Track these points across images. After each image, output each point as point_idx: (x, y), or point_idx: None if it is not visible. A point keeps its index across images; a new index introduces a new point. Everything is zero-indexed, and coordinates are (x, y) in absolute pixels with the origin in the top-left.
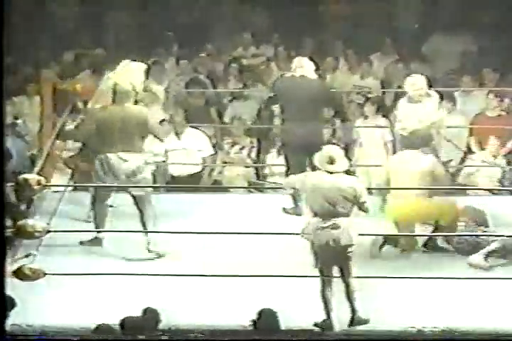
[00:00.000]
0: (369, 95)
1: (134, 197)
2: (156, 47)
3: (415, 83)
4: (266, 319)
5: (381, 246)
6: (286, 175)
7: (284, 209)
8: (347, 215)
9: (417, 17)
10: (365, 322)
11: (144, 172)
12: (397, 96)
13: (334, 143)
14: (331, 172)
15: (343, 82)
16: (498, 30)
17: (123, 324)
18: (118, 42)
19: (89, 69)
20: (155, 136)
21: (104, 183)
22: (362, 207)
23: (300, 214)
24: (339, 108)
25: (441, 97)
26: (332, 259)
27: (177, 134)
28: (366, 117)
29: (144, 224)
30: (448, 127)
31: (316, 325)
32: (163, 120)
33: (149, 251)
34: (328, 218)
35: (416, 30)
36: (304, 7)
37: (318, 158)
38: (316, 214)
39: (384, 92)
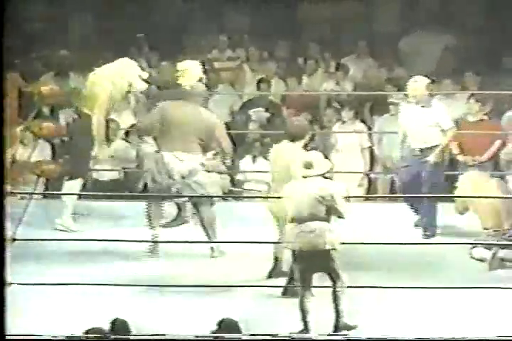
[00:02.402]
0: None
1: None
2: (127, 49)
3: (416, 85)
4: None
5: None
6: None
7: None
8: (325, 219)
9: (394, 19)
10: (351, 328)
11: (198, 175)
12: (376, 101)
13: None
14: (307, 177)
15: (320, 85)
16: (477, 31)
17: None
18: (84, 44)
19: (52, 71)
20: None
21: (158, 182)
22: (336, 212)
23: None
24: None
25: None
26: (313, 265)
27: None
28: (344, 122)
29: (204, 228)
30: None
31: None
32: (134, 125)
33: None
34: (305, 222)
35: (393, 32)
36: (281, 9)
37: (296, 165)
38: (293, 220)
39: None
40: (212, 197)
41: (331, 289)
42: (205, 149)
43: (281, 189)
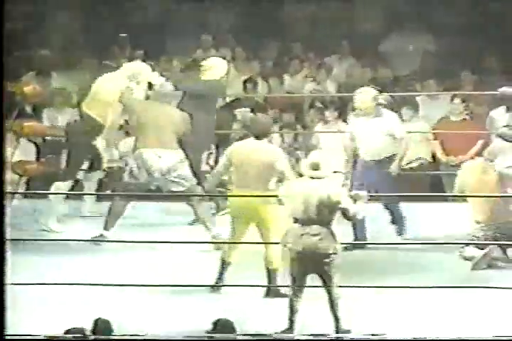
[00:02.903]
0: (330, 99)
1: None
2: (109, 48)
3: (362, 97)
4: (222, 329)
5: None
6: None
7: None
8: (329, 222)
9: (377, 19)
10: (347, 332)
11: (178, 170)
12: None
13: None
14: (314, 178)
15: (303, 86)
16: (458, 32)
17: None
18: (66, 43)
19: (34, 71)
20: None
21: (138, 180)
22: (346, 214)
23: None
24: None
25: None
26: (310, 267)
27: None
28: (327, 122)
29: (199, 219)
30: (410, 132)
31: (276, 333)
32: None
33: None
34: (309, 224)
35: (377, 33)
36: (265, 9)
37: (303, 164)
38: (296, 221)
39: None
40: (204, 195)
41: (327, 296)
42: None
43: (246, 184)
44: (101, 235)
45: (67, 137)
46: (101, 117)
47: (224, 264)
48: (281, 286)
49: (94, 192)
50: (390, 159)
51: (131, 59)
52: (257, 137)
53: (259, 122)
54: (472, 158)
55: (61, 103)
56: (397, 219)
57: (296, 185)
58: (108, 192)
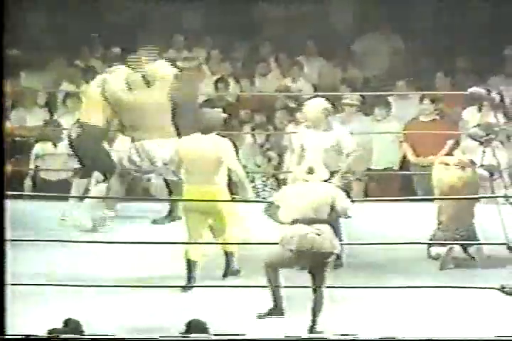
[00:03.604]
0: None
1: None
2: (79, 48)
3: (310, 109)
4: (195, 329)
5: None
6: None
7: None
8: (328, 222)
9: (348, 19)
10: (319, 333)
11: None
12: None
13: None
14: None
15: (275, 85)
16: (429, 33)
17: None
18: (36, 43)
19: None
20: None
21: (140, 169)
22: (340, 213)
23: None
24: None
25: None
26: (306, 266)
27: (108, 142)
28: (298, 123)
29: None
30: (381, 133)
31: (260, 316)
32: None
33: None
34: (309, 224)
35: (348, 33)
36: (238, 8)
37: (298, 169)
38: (296, 222)
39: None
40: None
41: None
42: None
43: (195, 180)
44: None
45: (74, 152)
46: (100, 121)
47: (190, 263)
48: (280, 286)
49: (94, 196)
50: (334, 174)
51: (102, 59)
52: (203, 132)
53: (205, 117)
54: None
55: (30, 103)
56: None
57: (292, 189)
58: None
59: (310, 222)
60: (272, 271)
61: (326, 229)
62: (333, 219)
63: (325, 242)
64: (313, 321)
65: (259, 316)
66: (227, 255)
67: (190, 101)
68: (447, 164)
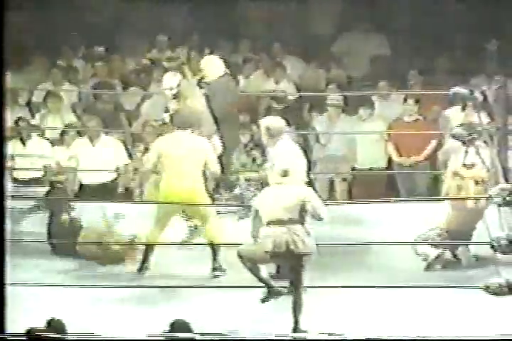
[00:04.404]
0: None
1: None
2: (60, 49)
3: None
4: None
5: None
6: None
7: None
8: (302, 223)
9: (330, 19)
10: (305, 332)
11: None
12: (315, 102)
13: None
14: (283, 184)
15: (259, 86)
16: (411, 33)
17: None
18: (17, 43)
19: None
20: None
21: None
22: (314, 215)
23: None
24: None
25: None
26: (283, 267)
27: (91, 141)
28: None
29: None
30: (365, 133)
31: (263, 300)
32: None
33: None
34: (282, 226)
35: (328, 33)
36: (221, 9)
37: (272, 172)
38: (270, 223)
39: (300, 97)
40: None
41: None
42: None
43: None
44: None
45: None
46: None
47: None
48: (281, 287)
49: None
50: None
51: (84, 58)
52: (180, 128)
53: (180, 115)
54: (427, 158)
55: (11, 102)
56: None
57: (268, 193)
58: None
59: (283, 223)
60: (247, 262)
61: (299, 230)
62: (306, 220)
63: (299, 243)
64: (296, 321)
65: (262, 301)
66: (214, 247)
67: None
68: (462, 177)
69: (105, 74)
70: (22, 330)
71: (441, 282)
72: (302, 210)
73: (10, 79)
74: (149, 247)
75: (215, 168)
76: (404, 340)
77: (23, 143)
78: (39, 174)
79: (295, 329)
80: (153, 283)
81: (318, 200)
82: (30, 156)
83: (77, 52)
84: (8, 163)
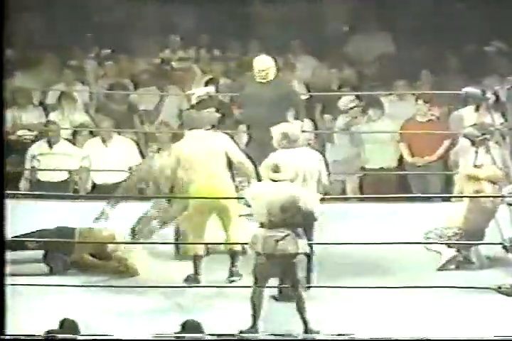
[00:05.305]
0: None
1: None
2: (72, 49)
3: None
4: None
5: None
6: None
7: None
8: (293, 224)
9: (342, 19)
10: (317, 332)
11: None
12: (328, 101)
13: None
14: (276, 181)
15: None
16: (422, 33)
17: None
18: (29, 43)
19: None
20: None
21: None
22: (306, 215)
23: None
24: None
25: None
26: (276, 270)
27: (104, 141)
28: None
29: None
30: (376, 132)
31: (241, 332)
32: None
33: None
34: (274, 228)
35: (340, 33)
36: (231, 9)
37: (263, 167)
38: (262, 225)
39: (311, 96)
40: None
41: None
42: None
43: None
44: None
45: None
46: None
47: (196, 259)
48: (278, 287)
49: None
50: None
51: (96, 59)
52: (191, 129)
53: (192, 117)
54: (439, 158)
55: (24, 102)
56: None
57: (260, 188)
58: None
59: (273, 225)
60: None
61: (289, 232)
62: (299, 220)
63: (289, 244)
64: (304, 321)
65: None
66: (233, 254)
67: None
68: (478, 178)
69: (116, 74)
70: (22, 331)
71: (452, 282)
72: (294, 209)
73: (21, 79)
74: (197, 257)
75: (240, 157)
76: (406, 340)
77: (50, 146)
78: (65, 176)
79: (306, 330)
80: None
81: (313, 201)
82: (56, 158)
83: (89, 52)
84: (33, 164)
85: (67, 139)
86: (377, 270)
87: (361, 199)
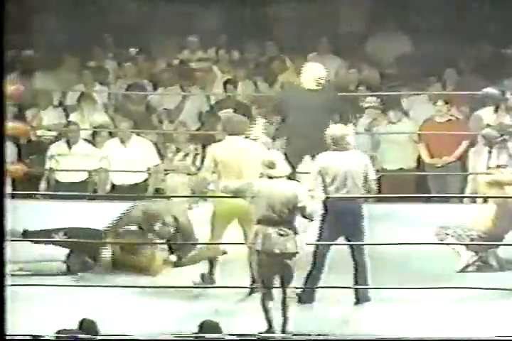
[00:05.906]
0: None
1: None
2: (91, 49)
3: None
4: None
5: None
6: None
7: None
8: (292, 222)
9: (362, 19)
10: (290, 333)
11: None
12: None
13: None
14: (273, 178)
15: None
16: (443, 33)
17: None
18: (49, 43)
19: (17, 71)
20: None
21: None
22: (303, 213)
23: None
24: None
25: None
26: (275, 268)
27: (122, 142)
28: None
29: None
30: (395, 133)
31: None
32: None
33: None
34: (272, 225)
35: (360, 33)
36: (251, 9)
37: (260, 164)
38: (259, 222)
39: None
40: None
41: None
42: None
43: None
44: None
45: None
46: None
47: (211, 261)
48: (250, 288)
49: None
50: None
51: (115, 60)
52: (232, 135)
53: (233, 121)
54: (458, 158)
55: (45, 103)
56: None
57: (260, 185)
58: None
59: (273, 221)
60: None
61: (287, 229)
62: (295, 218)
63: (289, 243)
64: (284, 320)
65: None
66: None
67: None
68: (501, 183)
69: (136, 74)
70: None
71: (472, 284)
72: (292, 207)
73: (41, 80)
74: (213, 257)
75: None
76: (405, 340)
77: (69, 146)
78: (84, 176)
79: (284, 329)
80: None
81: (308, 198)
82: (75, 159)
83: (108, 52)
84: (51, 165)
85: (86, 140)
86: (395, 270)
87: (379, 200)
